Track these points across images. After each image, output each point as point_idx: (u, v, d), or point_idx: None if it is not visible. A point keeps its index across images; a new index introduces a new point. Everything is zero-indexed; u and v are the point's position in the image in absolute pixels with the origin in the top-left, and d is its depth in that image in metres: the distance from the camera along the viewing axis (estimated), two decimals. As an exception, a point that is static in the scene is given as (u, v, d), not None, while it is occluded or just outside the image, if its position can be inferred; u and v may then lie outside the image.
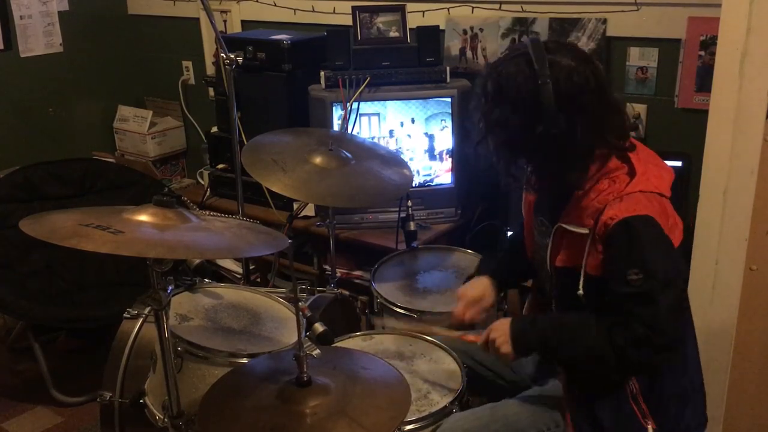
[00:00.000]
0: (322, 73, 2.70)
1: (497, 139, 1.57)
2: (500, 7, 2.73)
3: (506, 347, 1.63)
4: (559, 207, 1.63)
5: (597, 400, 1.61)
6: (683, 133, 2.42)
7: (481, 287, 1.87)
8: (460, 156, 2.70)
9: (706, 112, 2.04)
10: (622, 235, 1.48)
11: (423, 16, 2.88)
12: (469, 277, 1.97)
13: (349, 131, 2.62)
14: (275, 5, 3.28)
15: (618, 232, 1.49)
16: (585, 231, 1.54)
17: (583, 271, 1.55)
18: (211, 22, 2.55)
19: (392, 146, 2.67)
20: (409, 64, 2.71)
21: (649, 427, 1.59)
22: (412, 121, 2.69)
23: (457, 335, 1.80)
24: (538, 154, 1.58)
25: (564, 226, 1.59)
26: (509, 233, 2.65)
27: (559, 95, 1.48)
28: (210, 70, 3.50)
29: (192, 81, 3.80)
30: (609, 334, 1.50)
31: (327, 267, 2.68)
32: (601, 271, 1.53)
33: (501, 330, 1.65)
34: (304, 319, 1.77)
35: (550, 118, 1.48)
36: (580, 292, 1.56)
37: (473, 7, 2.79)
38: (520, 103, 1.50)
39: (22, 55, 3.51)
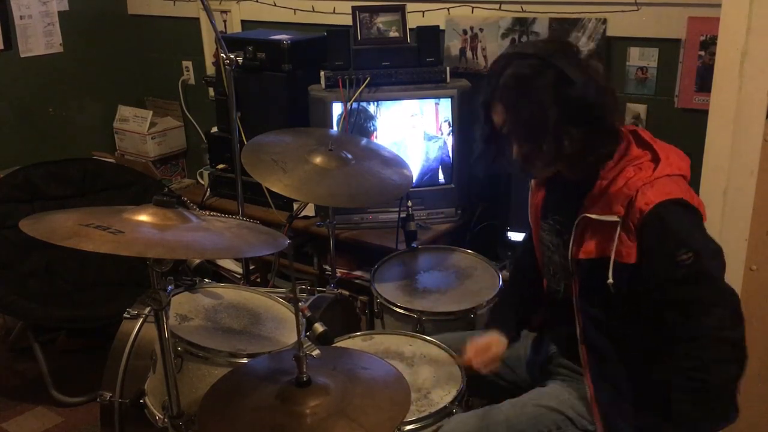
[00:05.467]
0: (322, 73, 2.70)
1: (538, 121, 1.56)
2: (500, 7, 2.73)
3: None
4: (579, 199, 1.62)
5: (624, 394, 1.62)
6: (683, 133, 2.42)
7: (489, 337, 1.86)
8: (460, 156, 2.70)
9: (706, 112, 2.04)
10: (661, 219, 1.49)
11: (423, 16, 2.88)
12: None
13: (349, 131, 2.62)
14: (275, 5, 3.28)
15: (656, 216, 1.49)
16: (615, 219, 1.54)
17: (612, 259, 1.54)
18: (211, 22, 2.55)
19: (392, 146, 2.67)
20: (409, 64, 2.71)
21: None
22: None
23: None
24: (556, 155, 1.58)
25: (590, 216, 1.58)
26: (509, 234, 2.65)
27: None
28: (210, 70, 3.50)
29: (192, 81, 3.80)
30: (689, 377, 1.50)
31: (327, 267, 2.68)
32: (637, 258, 1.53)
33: None
34: (304, 319, 1.78)
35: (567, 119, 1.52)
36: (610, 281, 1.55)
37: (473, 7, 2.79)
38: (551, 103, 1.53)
39: (22, 55, 3.51)
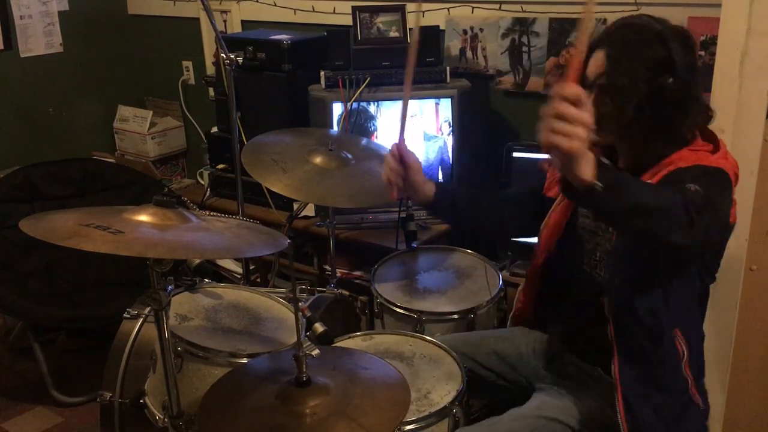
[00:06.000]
0: (322, 73, 2.70)
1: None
2: (500, 7, 2.73)
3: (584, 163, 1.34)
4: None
5: (653, 380, 1.61)
6: (683, 133, 2.42)
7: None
8: (460, 156, 2.70)
9: (706, 112, 2.03)
10: (690, 169, 1.51)
11: (423, 16, 2.88)
12: None
13: (349, 131, 2.62)
14: (275, 5, 3.28)
15: (687, 168, 1.52)
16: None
17: None
18: (211, 22, 2.56)
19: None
20: (409, 64, 2.71)
21: (700, 402, 1.62)
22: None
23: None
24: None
25: None
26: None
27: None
28: (210, 70, 3.50)
29: (192, 81, 3.80)
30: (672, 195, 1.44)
31: (327, 267, 2.68)
32: None
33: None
34: (304, 319, 1.78)
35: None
36: None
37: (473, 7, 2.79)
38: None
39: (22, 55, 3.51)
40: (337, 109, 2.66)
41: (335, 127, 2.65)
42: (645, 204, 1.39)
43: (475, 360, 1.91)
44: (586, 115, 1.22)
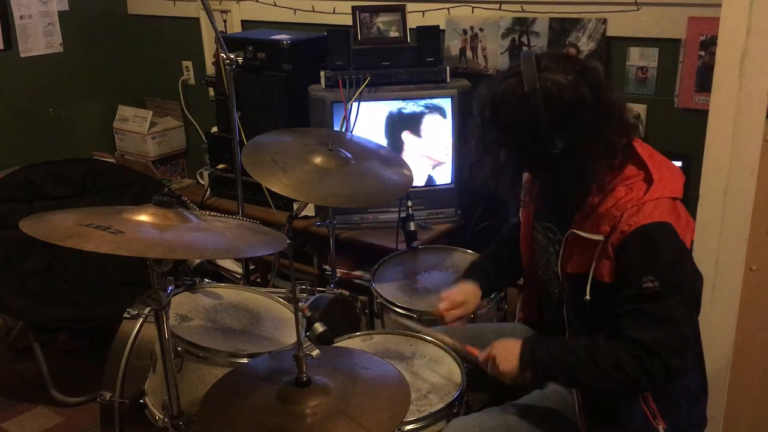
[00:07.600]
0: (322, 73, 2.70)
1: (498, 158, 1.57)
2: (500, 7, 2.73)
3: (506, 365, 1.63)
4: (570, 214, 1.63)
5: (610, 404, 1.62)
6: (683, 133, 2.42)
7: (465, 292, 1.91)
8: (460, 156, 2.70)
9: (706, 112, 2.04)
10: (639, 242, 1.49)
11: (423, 16, 2.88)
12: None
13: (350, 131, 2.62)
14: (275, 5, 3.28)
15: (635, 238, 1.49)
16: (600, 238, 1.54)
17: (591, 277, 1.56)
18: (211, 22, 2.55)
19: (392, 146, 2.67)
20: (409, 64, 2.71)
21: (660, 427, 1.61)
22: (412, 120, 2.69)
23: (461, 348, 1.80)
24: (541, 172, 1.61)
25: (577, 232, 1.59)
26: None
27: (552, 115, 1.47)
28: (210, 70, 3.50)
29: (192, 81, 3.80)
30: (619, 362, 1.51)
31: (327, 267, 2.68)
32: (613, 277, 1.54)
33: (503, 347, 1.66)
34: (304, 319, 1.78)
35: (546, 138, 1.48)
36: (587, 297, 1.57)
37: (473, 7, 2.79)
38: (516, 124, 1.51)
39: (22, 55, 3.51)
40: (338, 109, 2.66)
41: (335, 127, 2.65)
42: (590, 386, 1.59)
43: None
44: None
